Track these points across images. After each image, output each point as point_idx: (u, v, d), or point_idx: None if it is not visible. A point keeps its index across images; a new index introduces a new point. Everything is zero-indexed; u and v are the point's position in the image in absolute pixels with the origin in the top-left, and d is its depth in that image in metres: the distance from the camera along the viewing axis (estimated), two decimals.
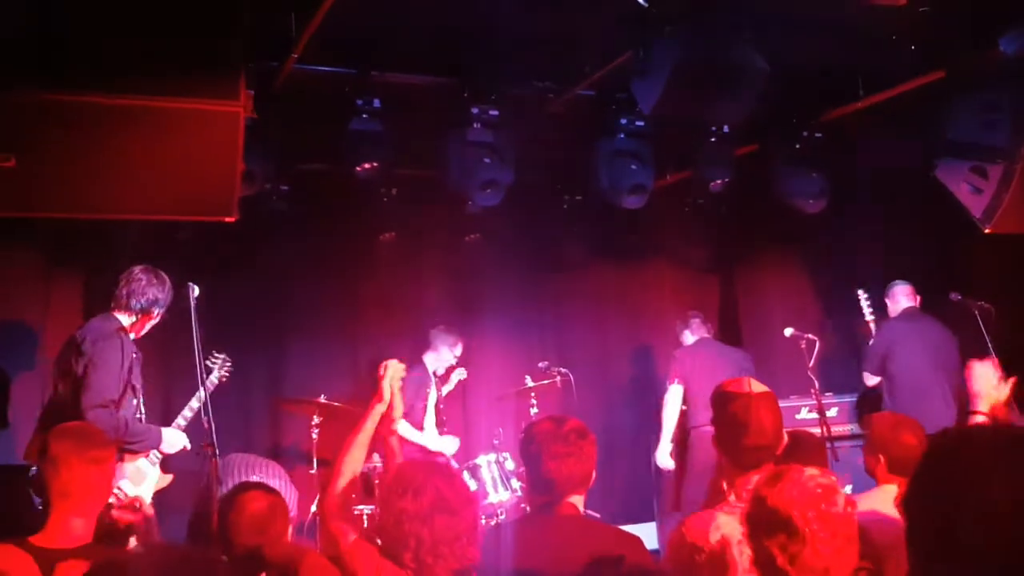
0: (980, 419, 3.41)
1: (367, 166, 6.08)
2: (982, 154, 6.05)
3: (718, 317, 9.21)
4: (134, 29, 4.36)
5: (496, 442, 7.25)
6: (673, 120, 6.11)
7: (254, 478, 4.45)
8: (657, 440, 7.20)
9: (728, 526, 2.60)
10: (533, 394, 7.43)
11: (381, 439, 3.22)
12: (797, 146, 6.94)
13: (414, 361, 7.28)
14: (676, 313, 8.03)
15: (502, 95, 6.20)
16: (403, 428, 6.97)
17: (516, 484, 6.83)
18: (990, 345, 5.83)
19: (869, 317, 7.20)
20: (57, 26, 4.25)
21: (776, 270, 8.94)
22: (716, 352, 7.42)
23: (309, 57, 5.42)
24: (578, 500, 2.98)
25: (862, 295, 7.24)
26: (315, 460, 6.44)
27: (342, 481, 2.96)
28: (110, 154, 4.60)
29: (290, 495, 4.30)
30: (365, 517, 6.19)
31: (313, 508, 6.24)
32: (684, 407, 7.18)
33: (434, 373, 7.38)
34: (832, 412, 7.20)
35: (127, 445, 4.69)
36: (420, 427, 7.17)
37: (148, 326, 5.02)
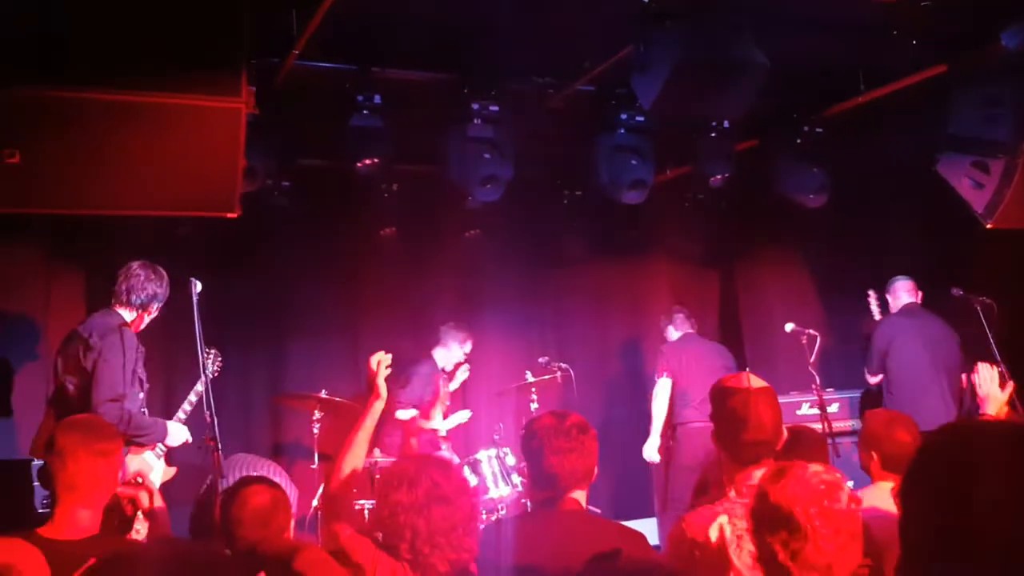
0: None
1: (368, 162, 6.09)
2: (984, 149, 6.04)
3: (718, 313, 9.22)
4: (136, 25, 4.36)
5: (496, 437, 7.26)
6: (673, 115, 6.11)
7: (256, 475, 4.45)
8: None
9: (728, 522, 2.60)
10: (533, 389, 7.44)
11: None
12: (798, 141, 6.95)
13: (423, 356, 7.38)
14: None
15: (502, 91, 6.20)
16: (407, 418, 7.04)
17: (516, 479, 6.83)
18: (992, 341, 5.82)
19: (877, 317, 7.21)
20: (59, 23, 4.25)
21: (777, 265, 8.94)
22: (702, 348, 7.47)
23: (310, 53, 5.43)
24: (580, 495, 2.98)
25: (872, 296, 7.24)
26: (316, 455, 6.45)
27: (342, 478, 2.97)
28: (112, 150, 4.60)
29: (291, 495, 4.30)
30: (366, 512, 6.20)
31: (314, 503, 6.26)
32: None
33: (443, 369, 7.42)
34: (833, 408, 7.20)
35: (135, 438, 4.74)
36: (428, 418, 7.22)
37: (147, 321, 5.05)
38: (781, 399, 2.96)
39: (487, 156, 6.18)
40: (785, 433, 2.87)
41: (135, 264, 5.00)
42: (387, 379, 3.26)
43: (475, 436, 7.51)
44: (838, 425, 6.76)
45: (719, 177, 6.92)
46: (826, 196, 7.02)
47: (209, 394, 4.30)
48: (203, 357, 4.47)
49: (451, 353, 7.45)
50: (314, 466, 6.45)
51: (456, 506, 2.57)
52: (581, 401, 7.33)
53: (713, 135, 6.85)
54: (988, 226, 6.11)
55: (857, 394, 7.52)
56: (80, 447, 2.74)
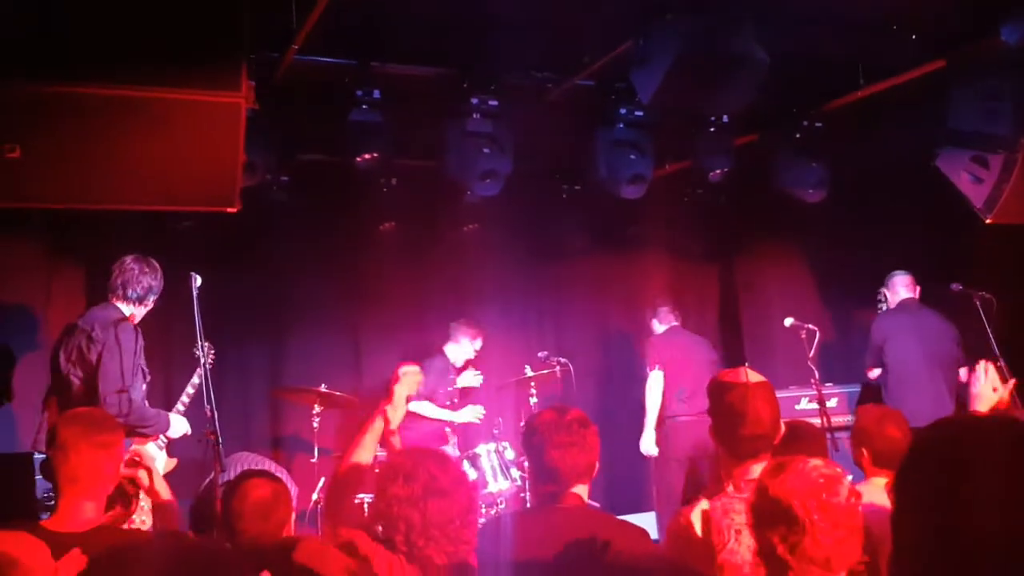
0: None
1: (367, 156, 6.09)
2: (983, 144, 6.05)
3: (718, 307, 9.24)
4: (136, 20, 4.36)
5: (496, 431, 7.29)
6: (673, 110, 6.11)
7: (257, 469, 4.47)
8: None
9: (725, 515, 2.61)
10: (533, 384, 7.46)
11: (383, 439, 3.24)
12: (797, 136, 6.94)
13: (435, 351, 7.46)
14: (676, 304, 8.04)
15: (501, 85, 6.19)
16: (427, 408, 7.09)
17: (516, 473, 6.85)
18: (991, 336, 5.84)
19: None
20: (59, 17, 4.25)
21: (776, 260, 8.96)
22: (688, 341, 7.53)
23: (310, 48, 5.42)
24: (582, 490, 2.99)
25: (882, 293, 7.25)
26: (316, 449, 6.46)
27: (346, 484, 2.99)
28: (112, 145, 4.61)
29: (292, 492, 4.32)
30: (365, 506, 6.21)
31: (314, 497, 6.27)
32: None
33: (453, 364, 7.48)
34: (832, 403, 7.22)
35: (139, 429, 4.78)
36: (442, 406, 7.34)
37: (143, 313, 5.08)
38: (780, 394, 2.96)
39: (486, 151, 6.18)
40: (783, 428, 2.88)
41: (128, 258, 5.04)
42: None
43: (474, 430, 7.53)
44: (837, 420, 6.76)
45: (718, 172, 6.92)
46: (825, 191, 7.02)
47: (209, 388, 4.31)
48: (203, 352, 4.49)
49: (462, 349, 7.52)
50: (313, 460, 6.46)
51: (453, 499, 2.58)
52: (580, 395, 7.35)
53: (712, 130, 6.85)
54: (987, 221, 6.12)
55: (856, 388, 7.53)
56: (81, 440, 2.75)
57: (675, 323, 7.61)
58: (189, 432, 5.19)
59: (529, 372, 7.46)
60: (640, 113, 6.53)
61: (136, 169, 4.73)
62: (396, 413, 3.17)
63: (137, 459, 3.02)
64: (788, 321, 6.68)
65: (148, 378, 4.99)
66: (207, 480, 4.44)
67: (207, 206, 5.29)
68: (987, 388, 3.60)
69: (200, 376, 5.31)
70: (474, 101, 6.11)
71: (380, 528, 2.58)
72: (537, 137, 6.85)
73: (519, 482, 6.89)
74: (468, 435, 7.58)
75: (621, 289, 8.68)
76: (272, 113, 5.70)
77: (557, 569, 2.75)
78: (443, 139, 6.43)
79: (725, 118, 6.78)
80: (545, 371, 7.49)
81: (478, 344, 7.55)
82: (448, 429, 7.28)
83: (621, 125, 6.60)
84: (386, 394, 3.19)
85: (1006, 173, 5.96)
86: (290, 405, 7.21)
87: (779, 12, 5.32)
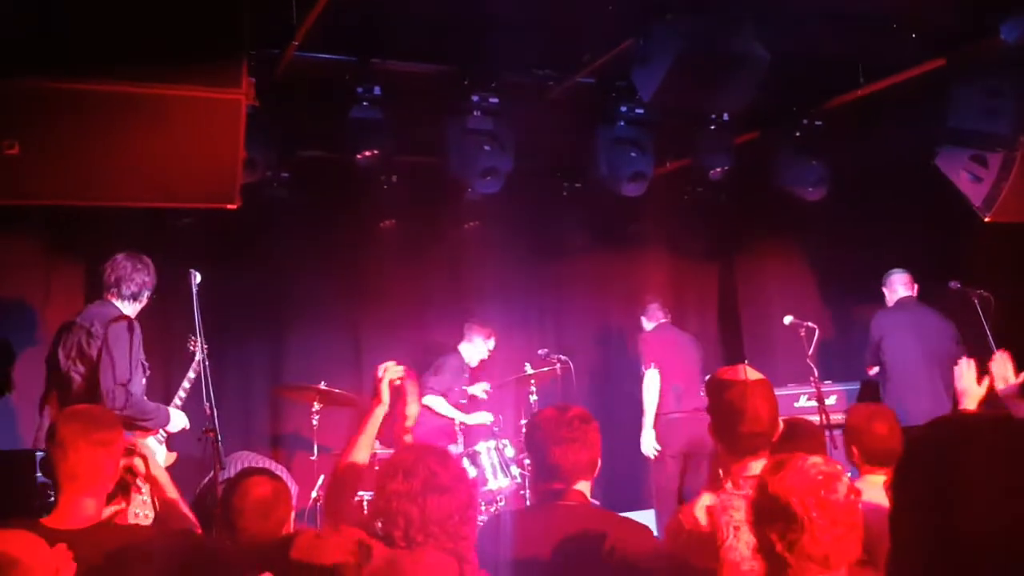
0: None
1: (367, 154, 6.09)
2: (982, 142, 6.05)
3: (718, 305, 9.24)
4: (136, 17, 4.36)
5: (496, 429, 7.30)
6: (673, 108, 6.11)
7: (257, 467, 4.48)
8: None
9: (724, 512, 2.62)
10: (533, 381, 7.46)
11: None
12: (797, 134, 6.95)
13: (450, 350, 7.52)
14: (676, 301, 8.05)
15: (502, 83, 6.20)
16: (441, 405, 7.10)
17: (515, 471, 6.86)
18: (989, 334, 5.84)
19: None
20: (59, 14, 4.25)
21: (775, 258, 8.96)
22: (678, 338, 7.57)
23: (310, 45, 5.42)
24: (585, 487, 2.99)
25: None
26: (316, 447, 6.46)
27: (343, 484, 3.00)
28: (112, 141, 4.61)
29: (292, 490, 4.33)
30: (365, 503, 6.22)
31: (313, 495, 6.28)
32: None
33: (467, 364, 7.54)
34: (831, 400, 7.22)
35: (140, 423, 4.81)
36: (456, 406, 7.36)
37: (138, 310, 5.11)
38: (779, 391, 2.97)
39: (487, 148, 6.18)
40: (781, 425, 2.88)
41: (119, 256, 5.07)
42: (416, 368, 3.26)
43: (474, 428, 7.53)
44: (836, 417, 6.75)
45: (719, 170, 6.92)
46: (825, 189, 7.03)
47: (208, 386, 4.32)
48: (202, 349, 4.51)
49: (475, 348, 7.56)
50: (313, 458, 6.46)
51: (453, 495, 2.58)
52: (580, 393, 7.36)
53: (713, 128, 6.85)
54: (986, 219, 6.12)
55: (855, 386, 7.54)
56: (80, 437, 2.75)
57: (663, 320, 7.62)
58: (188, 427, 5.22)
59: (529, 370, 7.47)
60: (641, 111, 6.54)
61: (136, 166, 4.74)
62: (411, 409, 3.19)
63: (132, 448, 3.01)
64: (788, 319, 6.68)
65: (148, 373, 5.03)
66: (207, 478, 4.46)
67: (207, 203, 5.29)
68: (971, 383, 3.62)
69: (196, 372, 5.38)
70: (475, 98, 6.12)
71: (379, 524, 2.59)
72: (538, 135, 6.86)
73: (519, 479, 6.89)
74: (469, 433, 7.59)
75: (621, 287, 8.68)
76: (272, 110, 5.71)
77: (560, 567, 2.76)
78: (444, 136, 6.43)
79: (726, 116, 6.79)
80: (545, 369, 7.49)
81: (491, 344, 7.59)
82: (458, 427, 7.29)
83: (622, 123, 6.60)
84: (374, 394, 3.19)
85: (1005, 172, 5.97)
86: (290, 403, 7.21)
87: (779, 11, 5.32)
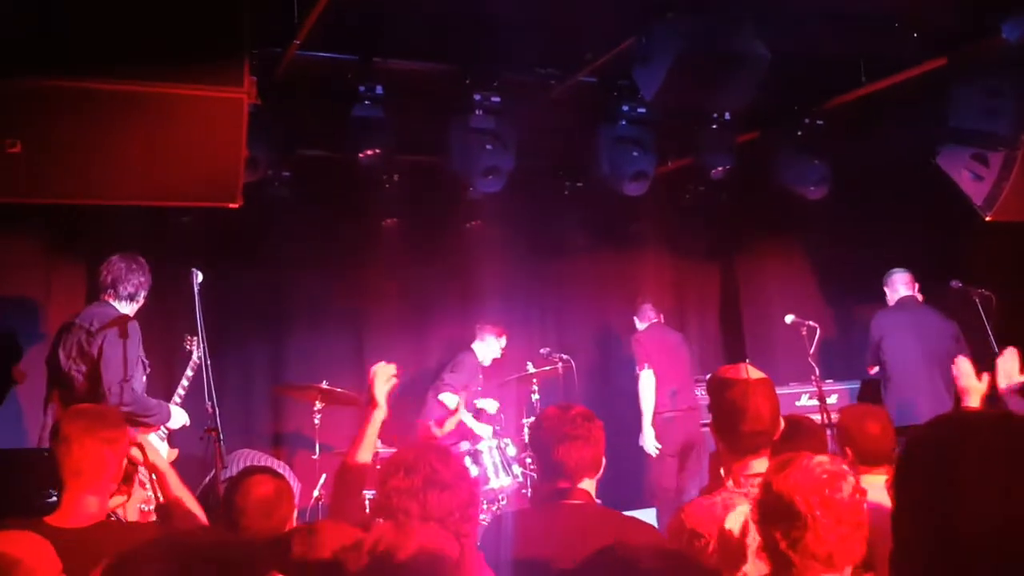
0: None
1: (369, 152, 6.09)
2: (983, 141, 6.06)
3: (719, 304, 9.24)
4: (138, 16, 4.36)
5: (497, 428, 7.29)
6: (675, 107, 6.11)
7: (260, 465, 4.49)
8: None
9: (727, 511, 2.62)
10: (534, 380, 7.47)
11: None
12: (798, 133, 6.95)
13: (464, 349, 7.54)
14: (677, 300, 8.05)
15: (504, 82, 6.20)
16: (455, 403, 7.17)
17: (517, 470, 6.86)
18: (990, 333, 5.84)
19: None
20: (61, 12, 4.25)
21: (777, 257, 8.97)
22: (669, 338, 7.59)
23: (312, 44, 5.42)
24: (590, 485, 2.99)
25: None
26: (317, 446, 6.46)
27: (348, 484, 3.01)
28: (114, 140, 4.62)
29: (294, 488, 4.34)
30: (367, 502, 6.22)
31: (315, 493, 6.28)
32: None
33: (481, 363, 7.55)
34: (832, 399, 7.23)
35: (141, 419, 4.85)
36: (469, 407, 7.36)
37: (135, 310, 5.14)
38: (780, 390, 2.98)
39: (489, 147, 6.18)
40: (782, 424, 2.88)
41: (114, 257, 5.10)
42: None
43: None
44: (837, 416, 6.77)
45: (720, 169, 6.92)
46: (826, 188, 7.03)
47: (210, 385, 4.33)
48: (199, 347, 4.52)
49: (488, 347, 7.56)
50: (315, 457, 6.46)
51: (454, 492, 2.58)
52: (582, 392, 7.37)
53: (714, 127, 6.85)
54: (987, 218, 6.13)
55: (856, 385, 7.54)
56: (85, 434, 2.76)
57: (654, 320, 7.65)
58: (188, 423, 5.26)
59: (531, 369, 7.47)
60: (642, 110, 6.54)
61: (138, 164, 4.74)
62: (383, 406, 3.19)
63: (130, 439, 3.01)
64: (789, 318, 6.68)
65: (148, 370, 5.07)
66: (208, 477, 4.47)
67: (209, 202, 5.30)
68: (971, 381, 3.62)
69: (193, 370, 5.41)
70: (477, 97, 6.12)
71: (380, 521, 2.59)
72: (539, 134, 6.86)
73: (520, 478, 6.90)
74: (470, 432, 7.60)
75: (623, 285, 8.68)
76: (274, 108, 5.71)
77: (567, 566, 2.76)
78: (446, 135, 6.44)
79: (727, 116, 6.79)
80: (547, 368, 7.50)
81: (503, 342, 7.60)
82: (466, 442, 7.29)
83: (623, 122, 6.61)
84: (369, 399, 3.19)
85: (1006, 171, 5.97)
86: (292, 402, 7.22)
87: (780, 10, 5.33)
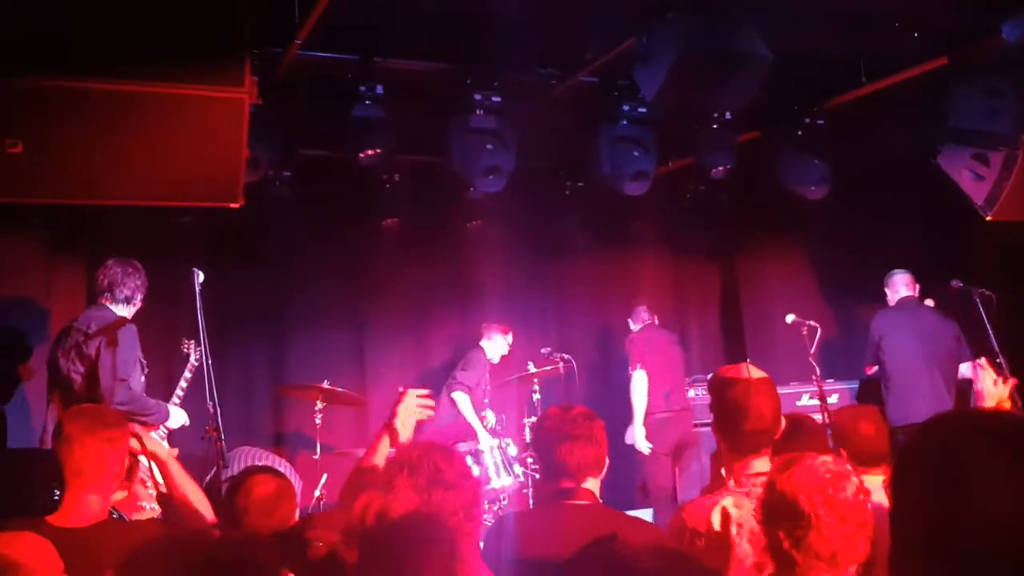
0: None
1: (370, 152, 6.10)
2: (984, 141, 6.06)
3: (719, 304, 9.24)
4: (139, 16, 4.36)
5: (499, 428, 7.29)
6: (675, 107, 6.11)
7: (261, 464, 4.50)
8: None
9: (727, 511, 2.62)
10: (535, 380, 7.47)
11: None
12: (799, 133, 6.95)
13: (473, 347, 7.56)
14: (678, 300, 8.04)
15: (505, 81, 6.20)
16: (465, 403, 7.13)
17: (519, 469, 6.87)
18: (991, 333, 5.84)
19: None
20: (61, 12, 4.25)
21: (777, 257, 8.97)
22: (662, 339, 7.60)
23: (312, 44, 5.42)
24: (593, 485, 2.99)
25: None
26: (319, 446, 6.47)
27: (359, 486, 3.01)
28: (114, 140, 4.61)
29: (295, 486, 4.34)
30: None
31: (317, 493, 6.28)
32: None
33: (490, 361, 7.55)
34: (833, 399, 7.23)
35: (140, 419, 4.86)
36: (480, 406, 7.37)
37: (132, 313, 5.18)
38: (781, 390, 2.97)
39: (489, 147, 6.19)
40: (783, 423, 2.89)
41: (110, 261, 5.16)
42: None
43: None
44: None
45: (721, 169, 6.92)
46: (827, 188, 7.03)
47: (211, 384, 4.33)
48: (196, 349, 4.54)
49: (496, 345, 7.57)
50: (316, 456, 6.46)
51: (457, 492, 2.58)
52: (583, 391, 7.37)
53: (715, 127, 6.85)
54: (988, 218, 6.12)
55: (857, 384, 7.55)
56: (86, 433, 2.76)
57: (648, 321, 7.66)
58: (187, 423, 5.29)
59: (532, 368, 7.48)
60: (643, 110, 6.55)
61: (139, 164, 4.74)
62: (404, 432, 3.17)
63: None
64: (790, 318, 6.68)
65: (146, 370, 5.11)
66: (209, 476, 4.47)
67: (210, 201, 5.30)
68: (989, 384, 3.61)
69: (191, 372, 5.43)
70: (477, 97, 6.12)
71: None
72: (540, 133, 6.86)
73: (521, 478, 6.90)
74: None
75: (624, 285, 8.68)
76: (275, 108, 5.71)
77: (570, 567, 2.75)
78: (446, 135, 6.44)
79: (728, 115, 6.79)
80: (548, 367, 7.50)
81: (510, 339, 7.61)
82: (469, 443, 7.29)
83: (624, 122, 6.61)
84: (391, 416, 3.18)
85: (1007, 171, 5.97)
86: (293, 401, 7.22)
87: (781, 10, 5.33)
